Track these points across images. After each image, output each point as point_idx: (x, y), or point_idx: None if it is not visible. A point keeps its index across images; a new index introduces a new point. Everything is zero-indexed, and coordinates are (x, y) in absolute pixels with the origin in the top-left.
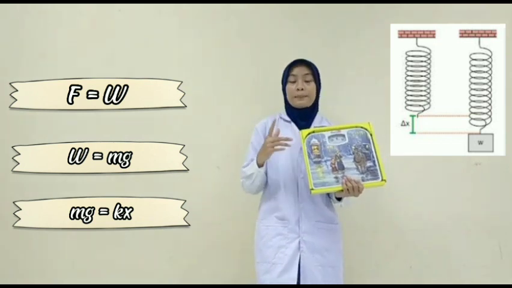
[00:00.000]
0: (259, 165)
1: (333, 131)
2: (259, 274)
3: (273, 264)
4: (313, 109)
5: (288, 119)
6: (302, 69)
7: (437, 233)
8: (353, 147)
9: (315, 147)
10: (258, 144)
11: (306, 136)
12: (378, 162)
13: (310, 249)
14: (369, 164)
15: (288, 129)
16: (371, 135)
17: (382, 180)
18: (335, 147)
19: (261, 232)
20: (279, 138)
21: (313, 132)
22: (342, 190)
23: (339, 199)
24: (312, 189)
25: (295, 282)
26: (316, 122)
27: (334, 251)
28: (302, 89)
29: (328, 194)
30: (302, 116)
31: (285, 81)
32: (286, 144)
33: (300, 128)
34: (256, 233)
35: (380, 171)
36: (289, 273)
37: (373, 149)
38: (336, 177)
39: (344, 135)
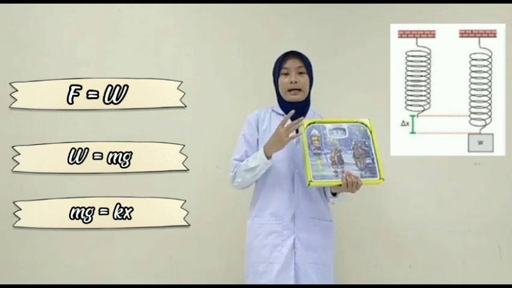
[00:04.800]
0: (268, 157)
1: (334, 124)
2: (254, 275)
3: (269, 264)
4: (306, 103)
5: (281, 112)
6: (295, 61)
7: (437, 233)
8: (353, 143)
9: (316, 138)
10: (250, 136)
11: (307, 126)
12: (377, 160)
13: (305, 246)
14: (368, 161)
15: None
16: (370, 132)
17: (380, 178)
18: (335, 141)
19: (254, 231)
20: (291, 124)
21: (314, 122)
22: (341, 185)
23: (333, 194)
24: (311, 181)
25: (293, 282)
26: (309, 115)
27: (328, 248)
28: (296, 82)
29: (323, 190)
30: (295, 109)
31: (277, 74)
32: (298, 126)
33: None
34: (248, 232)
35: (379, 169)
36: (286, 273)
37: (372, 147)
38: (335, 171)
39: (344, 130)
